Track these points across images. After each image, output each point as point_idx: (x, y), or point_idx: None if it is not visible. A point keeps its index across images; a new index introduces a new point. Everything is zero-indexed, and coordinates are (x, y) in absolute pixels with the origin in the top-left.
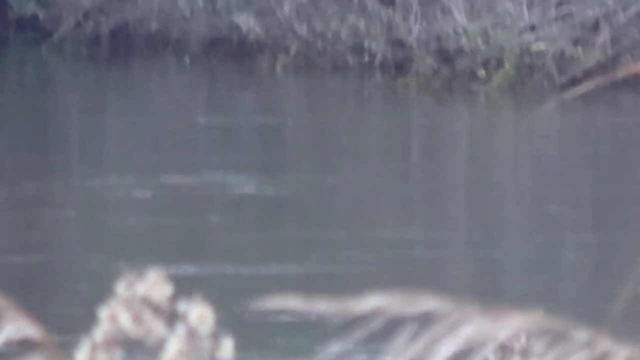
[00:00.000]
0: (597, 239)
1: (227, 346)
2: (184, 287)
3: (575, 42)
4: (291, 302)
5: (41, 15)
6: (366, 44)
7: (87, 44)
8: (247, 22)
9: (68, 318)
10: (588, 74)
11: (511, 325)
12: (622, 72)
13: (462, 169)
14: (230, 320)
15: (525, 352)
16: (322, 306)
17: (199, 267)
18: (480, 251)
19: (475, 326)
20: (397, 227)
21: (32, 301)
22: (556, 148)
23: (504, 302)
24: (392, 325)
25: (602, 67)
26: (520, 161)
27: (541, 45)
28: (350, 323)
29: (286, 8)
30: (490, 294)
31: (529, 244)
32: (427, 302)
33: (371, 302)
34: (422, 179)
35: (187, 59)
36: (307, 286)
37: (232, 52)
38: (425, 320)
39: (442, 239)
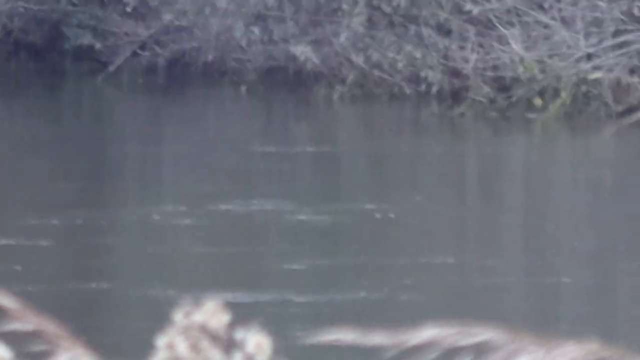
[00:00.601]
0: None
1: None
2: (240, 315)
3: (632, 71)
4: (347, 334)
5: (97, 45)
6: (423, 73)
7: (143, 74)
8: (303, 52)
9: (125, 346)
10: None
11: (567, 355)
12: None
13: (519, 196)
14: (287, 347)
15: None
16: (378, 337)
17: (255, 295)
18: (537, 279)
19: (531, 356)
20: (453, 255)
21: (88, 329)
22: (613, 176)
23: (561, 330)
24: (448, 356)
25: None
26: (576, 189)
27: (598, 74)
28: (407, 352)
29: (343, 38)
30: (546, 321)
31: (586, 271)
32: (483, 333)
33: (427, 333)
34: (479, 206)
35: (243, 89)
36: (362, 313)
37: (288, 82)
38: (480, 351)
39: (499, 267)
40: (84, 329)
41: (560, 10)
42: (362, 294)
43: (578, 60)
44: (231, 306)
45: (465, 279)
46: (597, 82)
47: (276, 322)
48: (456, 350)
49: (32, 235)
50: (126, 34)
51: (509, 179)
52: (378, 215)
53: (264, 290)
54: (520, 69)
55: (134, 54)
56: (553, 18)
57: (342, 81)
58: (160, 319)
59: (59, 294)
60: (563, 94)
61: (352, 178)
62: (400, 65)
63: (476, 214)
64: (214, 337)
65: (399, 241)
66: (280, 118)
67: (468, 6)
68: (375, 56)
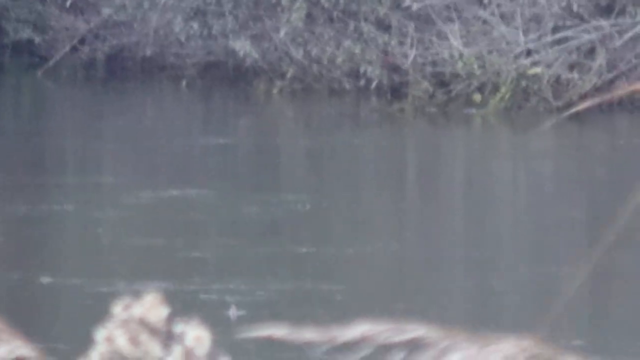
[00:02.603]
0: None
1: None
2: (178, 306)
3: (572, 67)
4: (280, 330)
5: (37, 40)
6: (362, 68)
7: (82, 68)
8: (243, 46)
9: (64, 339)
10: (584, 99)
11: (499, 352)
12: (616, 94)
13: (455, 190)
14: (225, 340)
15: None
16: (309, 334)
17: (194, 285)
18: (476, 271)
19: (464, 353)
20: (391, 246)
21: (27, 322)
22: (552, 170)
23: (497, 322)
24: (381, 353)
25: (598, 92)
26: (514, 182)
27: (537, 70)
28: (340, 348)
29: (282, 33)
30: (483, 314)
31: (524, 264)
32: (415, 330)
33: (359, 329)
34: (414, 199)
35: (183, 84)
36: (301, 302)
37: (228, 77)
38: (413, 348)
39: (437, 259)
40: (23, 321)
41: (499, 5)
42: (301, 283)
43: (517, 55)
44: (169, 296)
45: (404, 270)
46: (536, 77)
47: (216, 312)
48: (389, 347)
49: None
50: (65, 28)
51: (446, 173)
52: (310, 207)
53: (204, 279)
54: (460, 65)
55: (74, 49)
56: (492, 14)
57: (282, 76)
58: (99, 312)
59: None
60: (502, 90)
61: (287, 171)
62: (339, 60)
63: (411, 207)
64: (153, 331)
65: (329, 232)
66: (219, 112)
67: (407, 2)
68: (315, 51)
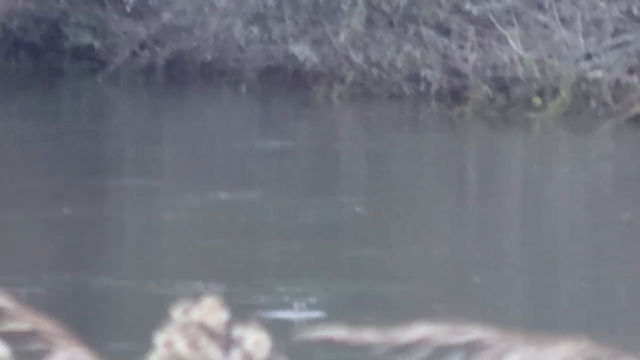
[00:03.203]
0: None
1: None
2: (237, 309)
3: (631, 71)
4: (338, 333)
5: (97, 45)
6: (422, 72)
7: (142, 73)
8: (303, 51)
9: (123, 342)
10: None
11: (557, 354)
12: None
13: (516, 194)
14: (285, 344)
15: None
16: (369, 336)
17: (253, 288)
18: (534, 273)
19: (521, 355)
20: (449, 248)
21: (85, 325)
22: (611, 173)
23: (553, 328)
24: (439, 354)
25: None
26: (574, 187)
27: (597, 74)
28: (398, 350)
29: (342, 37)
30: (539, 319)
31: (582, 266)
32: (473, 332)
33: (418, 331)
34: (475, 203)
35: (243, 88)
36: (361, 303)
37: (287, 82)
38: (471, 349)
39: (496, 261)
40: (80, 326)
41: (559, 9)
42: (350, 286)
43: (577, 59)
44: (230, 300)
45: (463, 274)
46: (596, 81)
47: (268, 316)
48: (447, 349)
49: (19, 228)
50: (125, 33)
51: (505, 177)
52: (369, 209)
53: (264, 283)
54: (520, 69)
55: (133, 54)
56: (552, 18)
57: (342, 80)
58: (158, 316)
59: (54, 289)
60: (562, 93)
61: (347, 174)
62: (399, 64)
63: (470, 209)
64: (212, 334)
65: (388, 234)
66: (278, 116)
67: (467, 6)
68: (375, 55)
